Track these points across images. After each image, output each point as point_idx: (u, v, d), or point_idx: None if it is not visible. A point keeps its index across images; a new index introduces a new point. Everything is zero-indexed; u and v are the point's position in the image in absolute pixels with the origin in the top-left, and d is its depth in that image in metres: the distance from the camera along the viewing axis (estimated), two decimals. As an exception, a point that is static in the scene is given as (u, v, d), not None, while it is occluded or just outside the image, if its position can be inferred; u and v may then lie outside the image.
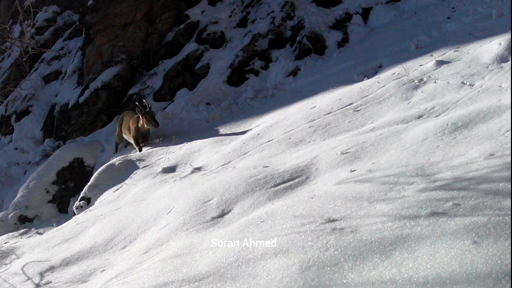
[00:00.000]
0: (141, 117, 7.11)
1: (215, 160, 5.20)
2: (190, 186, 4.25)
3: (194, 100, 8.64)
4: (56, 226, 5.50)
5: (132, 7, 10.84)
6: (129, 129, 7.61)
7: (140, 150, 7.28)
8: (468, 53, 5.20)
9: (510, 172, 2.25)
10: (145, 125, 7.11)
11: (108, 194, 5.82)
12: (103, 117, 10.04)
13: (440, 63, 5.23)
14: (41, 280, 3.43)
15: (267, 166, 3.93)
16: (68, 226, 4.89)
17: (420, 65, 5.43)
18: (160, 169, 5.67)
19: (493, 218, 1.92)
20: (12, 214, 7.70)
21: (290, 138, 4.89)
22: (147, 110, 7.12)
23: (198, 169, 5.12)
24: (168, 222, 3.47)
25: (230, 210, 3.25)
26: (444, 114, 3.84)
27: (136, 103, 7.19)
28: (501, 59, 4.62)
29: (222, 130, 6.72)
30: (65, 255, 3.75)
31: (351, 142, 3.75)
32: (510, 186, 2.12)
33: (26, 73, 12.59)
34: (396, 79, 5.23)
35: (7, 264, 4.19)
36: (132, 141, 7.57)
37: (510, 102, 3.28)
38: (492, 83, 4.13)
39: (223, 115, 7.83)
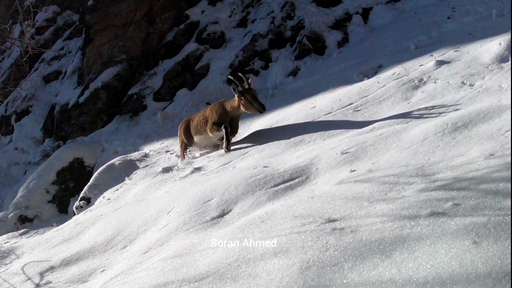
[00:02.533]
0: (237, 98, 5.08)
1: (215, 159, 5.20)
2: (190, 186, 4.25)
3: (194, 100, 8.65)
4: (56, 226, 5.50)
5: (132, 7, 10.85)
6: (205, 122, 5.47)
7: (226, 150, 5.19)
8: (468, 53, 5.20)
9: (510, 172, 2.24)
10: (243, 109, 5.11)
11: (108, 194, 5.82)
12: (103, 117, 10.05)
13: (440, 63, 5.23)
14: (41, 280, 3.43)
15: (267, 166, 3.93)
16: (68, 226, 4.89)
17: (420, 65, 5.43)
18: (160, 169, 5.66)
19: (493, 218, 1.92)
20: (12, 214, 7.70)
21: (290, 138, 4.89)
22: (248, 87, 5.05)
23: (198, 169, 5.11)
24: (168, 222, 3.47)
25: (230, 210, 3.25)
26: (444, 114, 3.84)
27: (230, 76, 5.23)
28: (501, 59, 4.62)
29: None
30: (65, 255, 3.75)
31: (351, 142, 3.75)
32: (510, 186, 2.12)
33: (26, 73, 12.59)
34: (396, 79, 5.23)
35: (7, 264, 4.19)
36: (207, 137, 5.50)
37: (510, 102, 3.28)
38: (492, 83, 4.13)
39: (223, 115, 7.82)
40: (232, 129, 5.34)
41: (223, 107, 5.33)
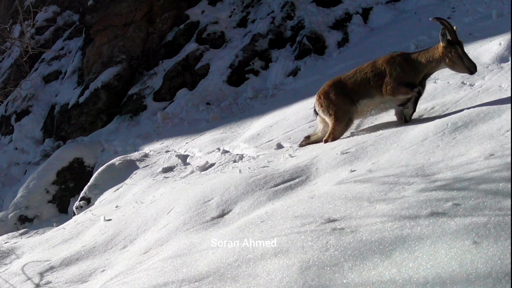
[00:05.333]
0: (442, 48, 3.81)
1: (215, 160, 5.20)
2: (190, 186, 4.25)
3: (194, 100, 8.65)
4: (56, 226, 5.50)
5: (132, 7, 10.85)
6: (379, 80, 4.00)
7: (408, 120, 3.97)
8: (468, 53, 5.19)
9: (510, 172, 2.24)
10: (445, 65, 3.88)
11: (108, 194, 5.82)
12: (103, 117, 10.05)
13: (440, 63, 5.21)
14: (41, 280, 3.43)
15: (267, 166, 3.93)
16: (68, 226, 4.89)
17: (420, 65, 5.42)
18: (160, 169, 5.66)
19: (493, 218, 1.92)
20: (12, 214, 7.71)
21: (290, 138, 4.89)
22: (456, 39, 3.81)
23: (198, 168, 5.11)
24: (168, 222, 3.47)
25: (230, 210, 3.25)
26: (444, 114, 3.84)
27: (438, 18, 3.84)
28: (501, 59, 4.61)
29: (222, 130, 6.72)
30: (65, 255, 3.75)
31: (351, 142, 3.75)
32: (510, 186, 2.12)
33: (26, 73, 12.59)
34: (396, 79, 5.22)
35: (7, 264, 4.19)
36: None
37: (510, 102, 3.28)
38: (492, 83, 4.13)
39: (223, 115, 7.84)
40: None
41: (413, 60, 3.99)
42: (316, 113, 4.36)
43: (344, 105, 4.13)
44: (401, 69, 3.94)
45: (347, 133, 4.24)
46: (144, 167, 6.09)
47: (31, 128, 11.18)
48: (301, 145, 4.49)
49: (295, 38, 8.92)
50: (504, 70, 4.32)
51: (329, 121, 4.23)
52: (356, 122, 4.35)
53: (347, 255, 2.01)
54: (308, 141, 4.47)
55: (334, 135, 4.17)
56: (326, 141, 4.20)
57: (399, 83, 3.90)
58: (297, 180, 3.36)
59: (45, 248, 4.22)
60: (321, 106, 4.24)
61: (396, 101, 3.99)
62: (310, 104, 5.87)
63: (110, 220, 4.27)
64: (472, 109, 3.40)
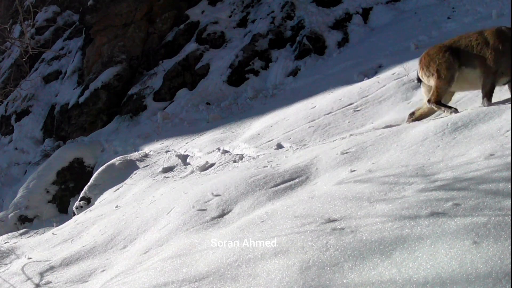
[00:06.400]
0: None
1: (215, 160, 5.20)
2: (190, 186, 4.25)
3: (194, 100, 8.66)
4: (56, 226, 5.50)
5: (132, 7, 10.86)
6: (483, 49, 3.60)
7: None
8: (468, 53, 5.19)
9: (510, 172, 2.24)
10: None
11: (108, 194, 5.82)
12: (103, 117, 10.06)
13: (440, 63, 5.21)
14: (41, 280, 3.43)
15: (267, 166, 3.93)
16: (68, 226, 4.89)
17: (420, 65, 5.42)
18: (160, 169, 5.66)
19: (493, 218, 1.92)
20: (12, 214, 7.71)
21: (290, 138, 4.89)
22: None
23: (198, 168, 5.11)
24: (168, 222, 3.47)
25: (230, 210, 3.25)
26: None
27: None
28: (501, 59, 4.60)
29: (222, 130, 6.72)
30: (65, 255, 3.75)
31: (351, 142, 3.75)
32: (510, 186, 2.12)
33: (26, 73, 12.60)
34: (396, 79, 5.23)
35: (7, 264, 4.19)
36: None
37: (510, 102, 3.28)
38: (492, 83, 4.11)
39: (223, 115, 7.84)
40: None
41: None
42: (419, 80, 3.95)
43: (447, 62, 3.71)
44: (503, 48, 3.52)
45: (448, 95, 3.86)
46: (144, 167, 6.09)
47: (31, 128, 11.19)
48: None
49: (295, 38, 8.93)
50: (504, 70, 4.31)
51: (432, 80, 3.81)
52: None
53: (347, 255, 2.01)
54: (413, 117, 4.02)
55: (437, 93, 3.77)
56: (429, 101, 3.82)
57: (494, 73, 3.53)
58: (297, 180, 3.36)
59: (45, 248, 4.22)
60: (422, 68, 3.87)
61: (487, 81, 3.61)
62: (310, 104, 5.87)
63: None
64: (472, 109, 3.40)
